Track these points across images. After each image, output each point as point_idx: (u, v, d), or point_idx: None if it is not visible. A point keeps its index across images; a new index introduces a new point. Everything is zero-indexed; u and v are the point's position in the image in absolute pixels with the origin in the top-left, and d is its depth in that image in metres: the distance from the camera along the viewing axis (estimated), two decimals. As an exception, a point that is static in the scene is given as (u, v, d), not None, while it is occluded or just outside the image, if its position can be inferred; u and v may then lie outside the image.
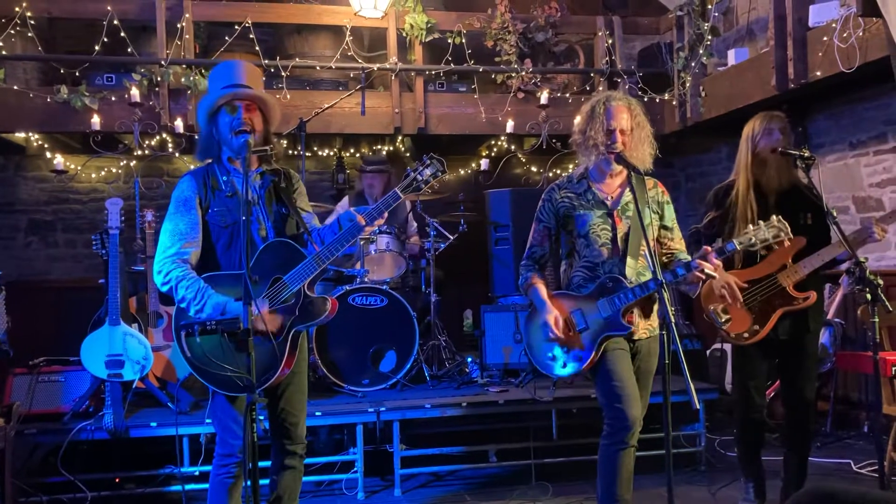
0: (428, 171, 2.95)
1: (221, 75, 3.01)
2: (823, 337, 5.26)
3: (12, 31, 5.62)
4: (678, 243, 3.36)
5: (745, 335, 3.65)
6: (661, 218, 3.33)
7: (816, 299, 3.65)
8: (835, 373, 5.46)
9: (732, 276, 3.52)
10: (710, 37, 6.07)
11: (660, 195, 3.34)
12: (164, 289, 2.93)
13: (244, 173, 2.80)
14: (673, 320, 2.81)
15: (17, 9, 5.60)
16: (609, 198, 3.27)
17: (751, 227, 3.14)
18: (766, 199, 3.66)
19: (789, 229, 3.10)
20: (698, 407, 3.96)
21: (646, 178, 3.22)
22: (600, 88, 6.49)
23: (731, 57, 5.92)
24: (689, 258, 3.24)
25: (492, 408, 4.88)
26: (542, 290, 3.28)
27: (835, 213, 3.46)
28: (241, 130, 2.91)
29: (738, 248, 3.11)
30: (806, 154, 3.57)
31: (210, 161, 3.06)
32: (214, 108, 2.96)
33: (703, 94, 6.17)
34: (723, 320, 3.67)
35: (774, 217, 3.12)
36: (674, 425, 2.96)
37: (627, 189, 3.22)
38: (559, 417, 4.94)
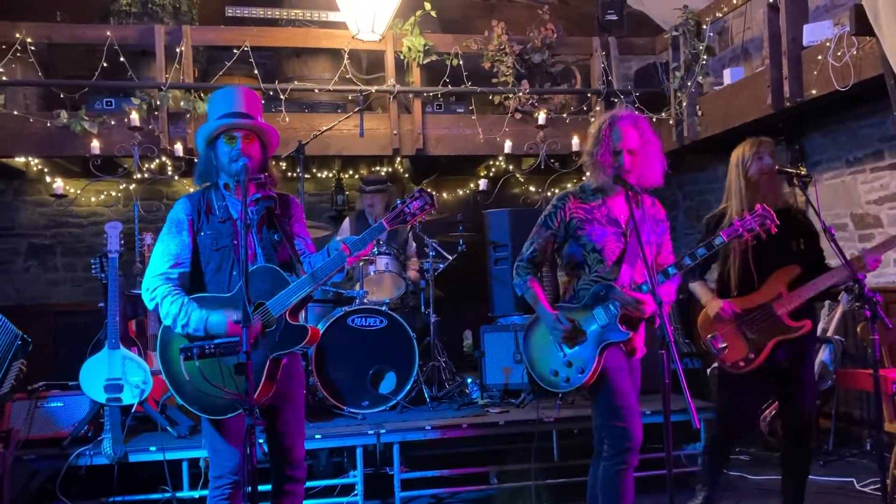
0: (416, 204, 2.94)
1: (221, 101, 3.03)
2: (824, 354, 5.25)
3: (13, 57, 5.66)
4: (668, 258, 3.39)
5: (742, 363, 3.66)
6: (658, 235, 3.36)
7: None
8: (835, 390, 5.44)
9: (724, 301, 3.57)
10: (705, 56, 6.11)
11: (657, 213, 3.37)
12: (151, 305, 2.97)
13: (243, 198, 2.81)
14: (673, 339, 2.81)
15: (17, 35, 5.64)
16: (622, 215, 3.28)
17: (736, 218, 3.16)
18: None
19: (774, 215, 3.10)
20: (699, 426, 3.95)
21: (646, 195, 3.24)
22: (597, 108, 6.52)
23: (727, 76, 5.96)
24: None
25: (492, 429, 4.85)
26: (541, 293, 3.29)
27: (829, 230, 3.47)
28: (239, 157, 2.94)
29: (727, 240, 3.13)
30: (802, 172, 3.60)
31: (207, 185, 3.08)
32: (213, 135, 2.99)
33: (699, 112, 6.20)
34: (719, 348, 3.68)
35: (757, 206, 3.13)
36: (674, 444, 2.95)
37: (630, 206, 3.25)
38: (560, 438, 4.92)
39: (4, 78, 5.68)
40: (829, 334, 5.32)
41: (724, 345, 3.66)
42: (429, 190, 2.97)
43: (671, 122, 6.45)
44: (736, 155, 3.75)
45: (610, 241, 3.23)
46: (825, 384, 5.27)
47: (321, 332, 3.03)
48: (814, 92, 4.98)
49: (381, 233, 2.94)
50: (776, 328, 3.61)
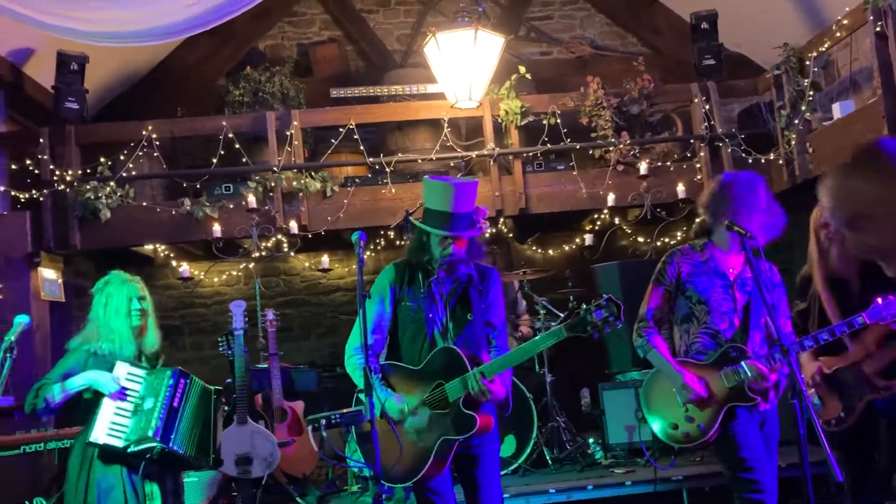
0: (602, 314, 2.91)
1: (437, 196, 3.15)
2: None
3: (140, 153, 6.10)
4: (786, 324, 3.29)
5: (833, 422, 3.45)
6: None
7: None
8: None
9: (818, 363, 3.39)
10: (811, 92, 5.93)
11: (773, 276, 3.33)
12: (349, 371, 3.19)
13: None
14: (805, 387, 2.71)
15: (144, 132, 6.09)
16: (731, 270, 3.26)
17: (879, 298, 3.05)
18: (849, 285, 3.49)
19: None
20: (842, 479, 3.72)
21: (763, 260, 3.19)
22: (702, 154, 6.41)
23: (836, 110, 5.76)
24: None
25: (619, 489, 4.73)
26: (667, 352, 3.27)
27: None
28: (451, 264, 3.15)
29: (869, 322, 3.08)
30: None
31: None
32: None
33: (810, 150, 5.99)
34: (816, 405, 3.49)
35: None
36: (817, 500, 2.80)
37: (747, 266, 3.20)
38: (690, 497, 4.72)
39: (134, 172, 6.12)
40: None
41: (820, 403, 3.47)
42: (617, 301, 2.92)
43: (781, 161, 6.25)
44: (812, 218, 3.62)
45: (717, 292, 3.24)
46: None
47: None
48: (935, 118, 4.75)
49: (558, 338, 2.99)
50: (866, 388, 3.41)
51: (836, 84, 6.74)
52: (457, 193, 3.10)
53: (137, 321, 3.54)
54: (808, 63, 5.94)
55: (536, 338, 3.06)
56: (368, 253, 7.28)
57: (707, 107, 6.43)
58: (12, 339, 3.00)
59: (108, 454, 3.31)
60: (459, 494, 3.32)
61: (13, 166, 5.90)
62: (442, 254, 3.11)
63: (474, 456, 3.17)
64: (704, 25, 6.46)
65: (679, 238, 7.27)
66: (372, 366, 3.06)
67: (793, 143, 6.08)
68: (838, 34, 5.66)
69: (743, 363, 3.12)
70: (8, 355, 2.93)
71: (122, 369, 3.39)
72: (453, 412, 2.98)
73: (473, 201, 3.17)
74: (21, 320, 3.09)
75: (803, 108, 5.96)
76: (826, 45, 5.86)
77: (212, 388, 3.66)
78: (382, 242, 6.91)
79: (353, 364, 3.13)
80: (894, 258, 1.66)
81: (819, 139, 5.95)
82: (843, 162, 1.69)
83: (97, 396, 3.34)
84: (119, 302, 3.51)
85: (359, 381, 3.07)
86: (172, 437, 3.32)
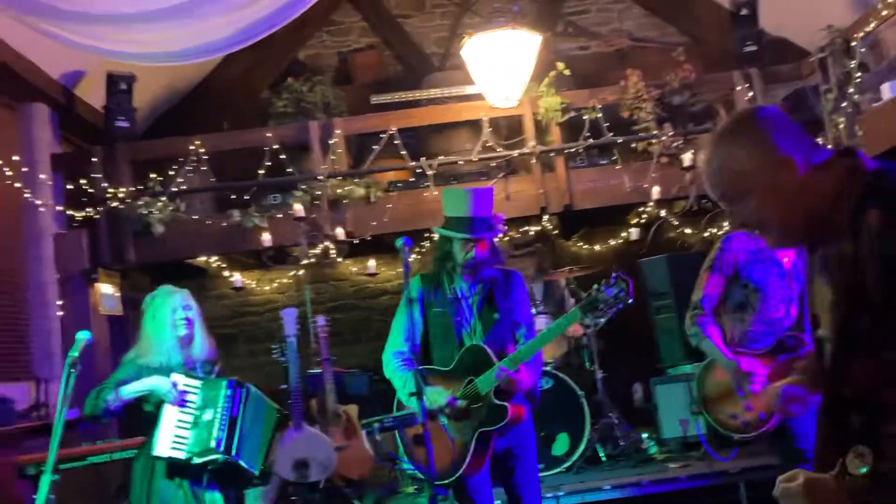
0: (612, 291, 2.96)
1: (456, 203, 3.34)
2: None
3: (189, 167, 6.24)
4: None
5: None
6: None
7: None
8: None
9: None
10: (858, 73, 5.80)
11: None
12: (388, 376, 3.34)
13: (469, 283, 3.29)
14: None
15: (192, 147, 6.23)
16: (785, 259, 3.23)
17: None
18: None
19: None
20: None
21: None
22: (747, 142, 6.30)
23: (886, 90, 5.60)
24: None
25: (674, 484, 4.69)
26: (720, 341, 3.22)
27: None
28: (474, 267, 3.25)
29: None
30: None
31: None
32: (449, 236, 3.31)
33: (859, 133, 5.85)
34: None
35: None
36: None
37: (799, 256, 3.18)
38: (749, 490, 4.66)
39: (184, 187, 6.26)
40: None
41: None
42: (626, 278, 2.97)
43: (829, 146, 6.13)
44: None
45: (773, 280, 3.20)
46: None
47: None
48: None
49: (574, 321, 3.07)
50: None
51: (884, 64, 6.56)
52: (474, 199, 3.26)
53: (183, 330, 3.65)
54: (854, 44, 5.81)
55: (558, 320, 3.14)
56: (413, 256, 7.32)
57: (750, 94, 6.33)
58: (76, 354, 3.10)
59: (172, 465, 3.41)
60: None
61: (68, 186, 6.09)
62: (465, 257, 3.23)
63: (514, 457, 3.24)
64: (745, 11, 6.36)
65: (726, 228, 7.16)
66: (410, 368, 3.20)
67: (841, 126, 5.95)
68: (884, 12, 5.53)
69: (801, 351, 3.08)
70: (72, 371, 3.03)
71: (179, 379, 3.48)
72: (486, 404, 3.07)
73: (490, 206, 3.32)
74: (83, 336, 3.19)
75: (851, 90, 5.83)
76: (872, 25, 5.72)
77: (275, 405, 3.75)
78: (427, 244, 6.94)
79: (392, 369, 3.29)
80: (770, 232, 1.63)
81: (869, 121, 5.81)
82: (719, 131, 1.66)
83: (158, 408, 3.44)
84: (164, 313, 3.63)
85: (398, 386, 3.26)
86: (234, 447, 3.40)
